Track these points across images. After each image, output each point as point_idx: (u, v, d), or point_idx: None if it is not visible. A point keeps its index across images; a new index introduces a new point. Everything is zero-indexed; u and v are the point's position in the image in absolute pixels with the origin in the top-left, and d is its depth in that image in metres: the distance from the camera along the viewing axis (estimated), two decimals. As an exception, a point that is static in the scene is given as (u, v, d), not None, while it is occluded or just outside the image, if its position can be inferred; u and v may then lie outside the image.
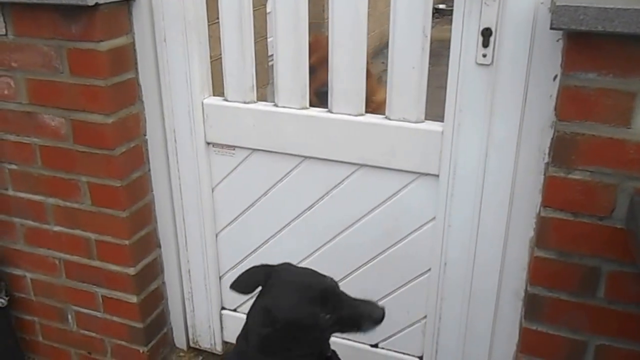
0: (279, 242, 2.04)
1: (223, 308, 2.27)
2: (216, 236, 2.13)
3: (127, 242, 2.00)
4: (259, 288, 1.52)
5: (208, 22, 1.86)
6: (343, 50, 1.69)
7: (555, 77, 1.44)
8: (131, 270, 2.05)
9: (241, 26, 1.78)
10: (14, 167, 2.02)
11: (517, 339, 1.77)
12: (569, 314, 1.57)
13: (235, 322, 2.24)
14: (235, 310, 2.25)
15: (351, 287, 1.98)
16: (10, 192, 2.08)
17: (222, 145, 1.96)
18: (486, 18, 1.46)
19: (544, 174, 1.54)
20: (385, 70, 1.67)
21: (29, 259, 2.19)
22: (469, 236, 1.75)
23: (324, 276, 1.52)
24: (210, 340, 2.31)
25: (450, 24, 1.54)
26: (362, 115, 1.75)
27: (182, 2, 1.79)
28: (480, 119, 1.58)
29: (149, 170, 2.05)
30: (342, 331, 1.50)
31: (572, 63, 1.34)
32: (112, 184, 1.91)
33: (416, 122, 1.68)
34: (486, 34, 1.46)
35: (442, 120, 1.65)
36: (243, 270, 2.04)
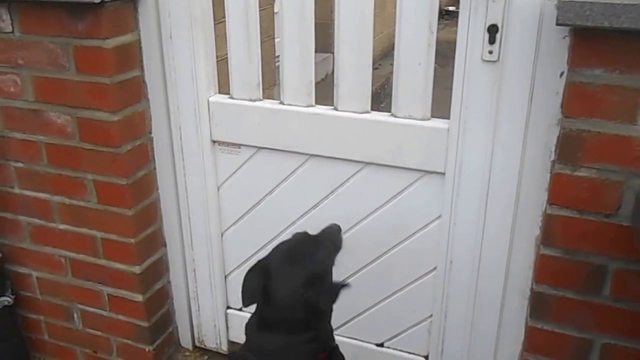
0: (284, 241, 2.04)
1: (229, 307, 2.27)
2: (222, 235, 2.13)
3: (132, 240, 2.00)
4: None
5: (214, 20, 1.86)
6: (349, 47, 1.69)
7: (562, 73, 1.43)
8: (137, 269, 2.05)
9: (247, 22, 1.78)
10: (20, 165, 2.03)
11: (522, 337, 1.76)
12: (574, 312, 1.56)
13: (241, 322, 2.22)
14: (240, 309, 2.24)
15: (357, 286, 1.99)
16: (16, 190, 2.08)
17: (228, 144, 1.96)
18: (492, 14, 1.46)
19: (550, 172, 1.53)
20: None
21: (35, 257, 2.19)
22: (475, 234, 1.74)
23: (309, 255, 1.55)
24: (215, 340, 2.31)
25: (460, 25, 1.54)
26: (367, 112, 1.75)
27: (189, -2, 1.79)
28: (487, 116, 1.58)
29: (155, 168, 2.05)
30: None
31: (578, 59, 1.33)
32: (118, 182, 1.91)
33: (422, 119, 1.68)
34: (492, 30, 1.46)
35: (449, 119, 1.65)
36: (248, 268, 2.05)
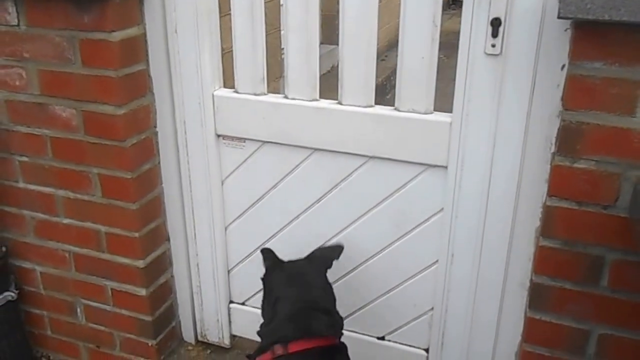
0: (288, 235, 2.06)
1: (231, 302, 2.28)
2: (225, 229, 2.15)
3: (137, 234, 2.02)
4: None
5: (220, 13, 1.88)
6: (353, 41, 1.71)
7: (563, 66, 1.46)
8: (140, 263, 2.07)
9: (252, 16, 1.80)
10: (24, 159, 2.04)
11: (522, 329, 1.78)
12: (573, 303, 1.58)
13: (243, 316, 2.26)
14: (243, 303, 2.27)
15: (359, 281, 2.01)
16: (21, 185, 2.09)
17: (232, 138, 1.98)
18: (495, 8, 1.48)
19: (550, 164, 1.56)
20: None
21: (39, 252, 2.21)
22: (476, 227, 1.77)
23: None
24: (218, 334, 2.33)
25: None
26: (371, 107, 1.77)
27: (194, -7, 1.81)
28: (489, 109, 1.61)
29: (159, 162, 2.07)
30: None
31: (579, 52, 1.36)
32: (123, 176, 1.93)
33: (425, 113, 1.71)
34: (495, 23, 1.49)
35: (452, 112, 1.67)
36: (251, 263, 2.08)
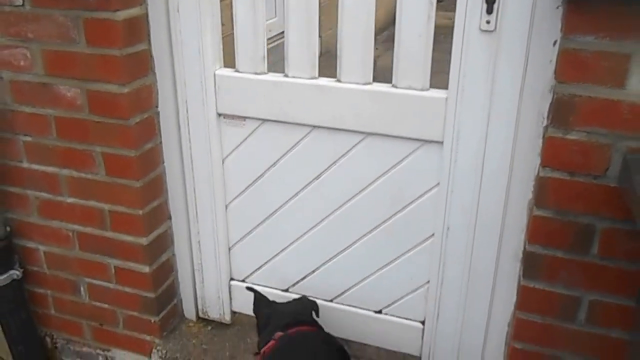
0: (288, 213, 2.10)
1: (232, 279, 2.33)
2: (226, 207, 2.19)
3: (140, 212, 2.06)
4: None
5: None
6: (352, 19, 1.74)
7: (555, 42, 1.51)
8: (144, 240, 2.11)
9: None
10: (28, 139, 2.07)
11: (515, 299, 1.84)
12: (564, 271, 1.64)
13: (243, 293, 2.30)
14: (243, 280, 2.31)
15: (357, 256, 2.07)
16: (25, 165, 2.12)
17: (233, 116, 2.02)
18: (490, -16, 1.53)
19: (543, 137, 1.61)
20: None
21: (43, 231, 2.24)
22: (471, 201, 1.82)
23: None
24: (219, 311, 2.37)
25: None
26: (369, 84, 1.82)
27: (196, -27, 1.84)
28: (483, 85, 1.66)
29: (160, 142, 2.10)
30: None
31: (571, 26, 1.41)
32: (127, 154, 1.97)
33: (422, 89, 1.75)
34: (490, 0, 1.54)
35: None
36: (251, 241, 2.14)
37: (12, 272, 2.21)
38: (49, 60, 1.91)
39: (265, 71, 1.93)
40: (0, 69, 1.98)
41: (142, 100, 1.97)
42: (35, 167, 2.12)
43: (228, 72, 1.97)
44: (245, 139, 2.04)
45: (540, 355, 1.76)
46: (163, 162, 2.14)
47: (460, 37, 1.62)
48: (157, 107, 2.05)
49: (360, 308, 2.17)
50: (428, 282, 2.02)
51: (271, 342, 1.73)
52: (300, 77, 1.88)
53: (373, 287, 2.12)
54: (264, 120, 1.98)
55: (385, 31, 6.56)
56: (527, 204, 1.74)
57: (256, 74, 1.93)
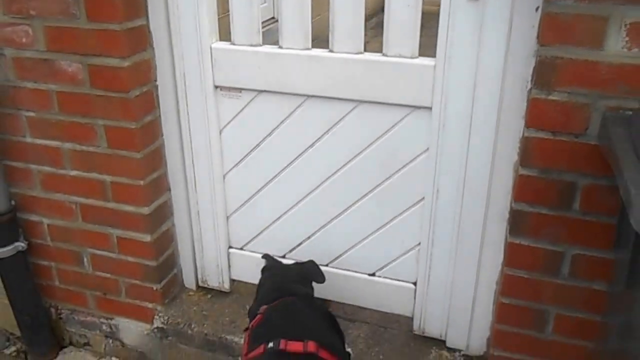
0: (283, 181, 2.18)
1: (230, 247, 2.40)
2: (224, 177, 2.26)
3: (141, 182, 2.12)
4: None
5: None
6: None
7: (537, 8, 1.59)
8: (145, 210, 2.18)
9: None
10: (31, 114, 2.12)
11: (502, 259, 1.93)
12: (549, 226, 1.72)
13: (242, 260, 2.39)
14: (242, 248, 2.39)
15: (351, 221, 2.15)
16: (28, 139, 2.18)
17: (230, 88, 2.08)
18: (475, -46, 1.61)
19: (527, 100, 1.69)
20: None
21: (46, 204, 2.30)
22: (459, 164, 1.90)
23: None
24: (218, 279, 2.45)
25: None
26: (361, 53, 1.89)
27: (193, -54, 1.88)
28: (469, 52, 1.73)
29: (159, 115, 2.16)
30: None
31: (552, -9, 1.49)
32: (128, 126, 2.03)
33: (411, 57, 1.83)
34: (475, -31, 1.62)
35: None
36: (249, 209, 2.20)
37: (17, 244, 2.27)
38: (50, 36, 1.96)
39: (260, 43, 2.00)
40: (3, 46, 2.03)
41: (141, 74, 2.03)
42: (38, 141, 2.17)
43: (224, 45, 2.03)
44: (242, 110, 2.11)
45: (527, 309, 1.85)
46: (162, 135, 2.20)
47: (447, 6, 1.70)
48: (155, 81, 2.11)
49: (355, 271, 2.25)
50: (419, 244, 2.11)
51: (258, 317, 1.77)
52: (294, 48, 1.95)
53: (367, 250, 2.20)
54: (260, 92, 2.05)
55: (374, 18, 6.62)
56: (513, 166, 1.82)
57: (251, 45, 1.99)
